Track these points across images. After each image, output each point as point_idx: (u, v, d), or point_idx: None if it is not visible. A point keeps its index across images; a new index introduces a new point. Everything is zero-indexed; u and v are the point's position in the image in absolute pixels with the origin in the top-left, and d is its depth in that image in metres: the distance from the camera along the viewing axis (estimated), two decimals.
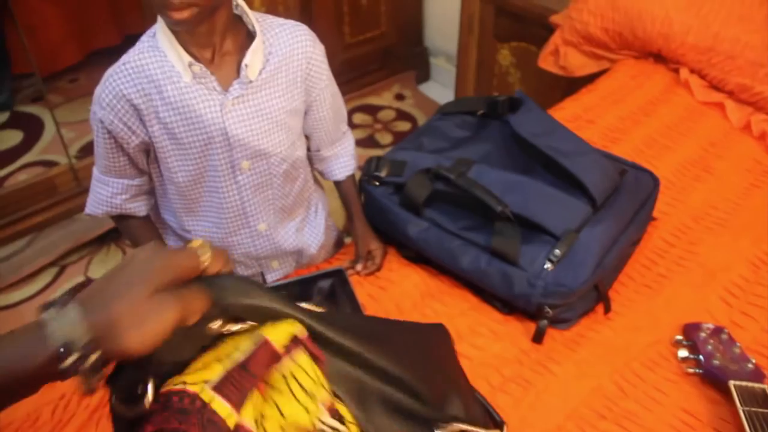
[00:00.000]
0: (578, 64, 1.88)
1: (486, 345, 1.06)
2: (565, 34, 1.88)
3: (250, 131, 1.06)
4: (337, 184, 1.29)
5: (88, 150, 2.50)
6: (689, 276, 1.17)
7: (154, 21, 1.02)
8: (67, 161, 2.24)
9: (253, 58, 1.01)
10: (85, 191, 1.16)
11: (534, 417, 0.95)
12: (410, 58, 3.05)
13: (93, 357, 0.48)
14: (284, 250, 1.24)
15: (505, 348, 1.06)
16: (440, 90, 3.02)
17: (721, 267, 1.19)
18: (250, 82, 1.03)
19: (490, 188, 1.08)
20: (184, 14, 0.90)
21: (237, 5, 1.02)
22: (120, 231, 1.21)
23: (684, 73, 1.68)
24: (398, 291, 1.15)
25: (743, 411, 0.88)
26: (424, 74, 3.10)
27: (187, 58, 0.98)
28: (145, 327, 0.48)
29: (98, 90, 1.02)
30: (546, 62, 1.95)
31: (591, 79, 1.80)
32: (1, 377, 0.48)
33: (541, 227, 1.06)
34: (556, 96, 1.80)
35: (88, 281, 2.14)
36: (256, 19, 1.03)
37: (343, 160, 1.27)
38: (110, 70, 1.02)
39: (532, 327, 1.06)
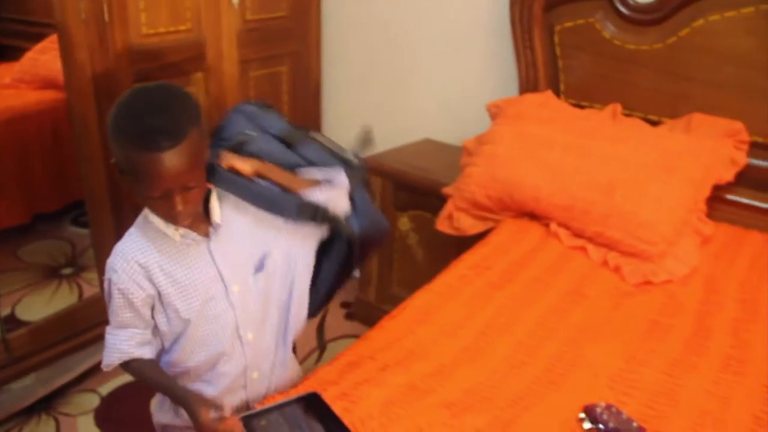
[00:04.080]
0: (469, 224, 2.31)
1: None
2: (456, 202, 2.32)
3: (234, 259, 1.37)
4: None
5: (14, 322, 2.54)
6: (581, 375, 1.51)
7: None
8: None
9: (213, 204, 1.34)
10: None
11: None
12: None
13: None
14: (266, 353, 1.48)
15: None
16: None
17: (602, 366, 1.53)
18: (218, 224, 1.34)
19: None
20: (186, 222, 1.29)
21: None
22: (130, 373, 1.40)
23: (553, 226, 2.12)
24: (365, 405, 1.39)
25: None
26: None
27: (177, 230, 1.30)
28: None
29: (111, 260, 1.32)
30: (443, 225, 2.37)
31: (479, 237, 2.21)
32: None
33: None
34: (451, 252, 2.20)
35: None
36: None
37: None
38: (119, 245, 1.33)
39: None
